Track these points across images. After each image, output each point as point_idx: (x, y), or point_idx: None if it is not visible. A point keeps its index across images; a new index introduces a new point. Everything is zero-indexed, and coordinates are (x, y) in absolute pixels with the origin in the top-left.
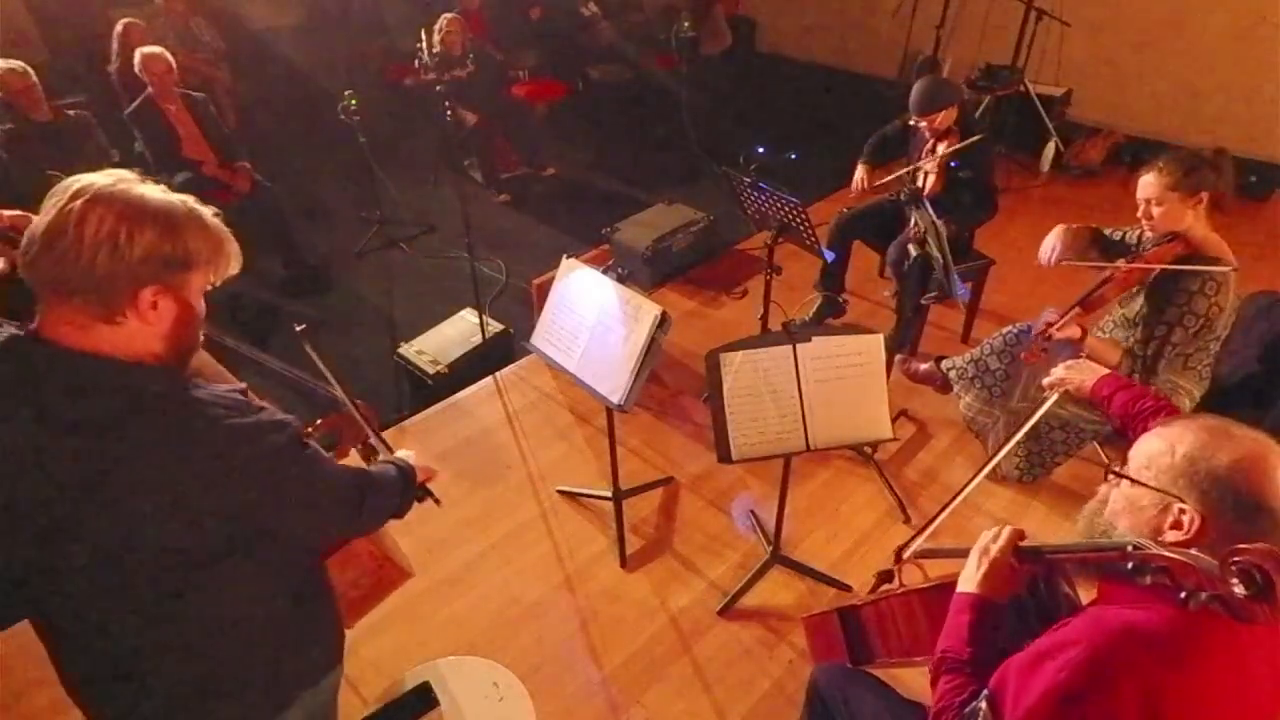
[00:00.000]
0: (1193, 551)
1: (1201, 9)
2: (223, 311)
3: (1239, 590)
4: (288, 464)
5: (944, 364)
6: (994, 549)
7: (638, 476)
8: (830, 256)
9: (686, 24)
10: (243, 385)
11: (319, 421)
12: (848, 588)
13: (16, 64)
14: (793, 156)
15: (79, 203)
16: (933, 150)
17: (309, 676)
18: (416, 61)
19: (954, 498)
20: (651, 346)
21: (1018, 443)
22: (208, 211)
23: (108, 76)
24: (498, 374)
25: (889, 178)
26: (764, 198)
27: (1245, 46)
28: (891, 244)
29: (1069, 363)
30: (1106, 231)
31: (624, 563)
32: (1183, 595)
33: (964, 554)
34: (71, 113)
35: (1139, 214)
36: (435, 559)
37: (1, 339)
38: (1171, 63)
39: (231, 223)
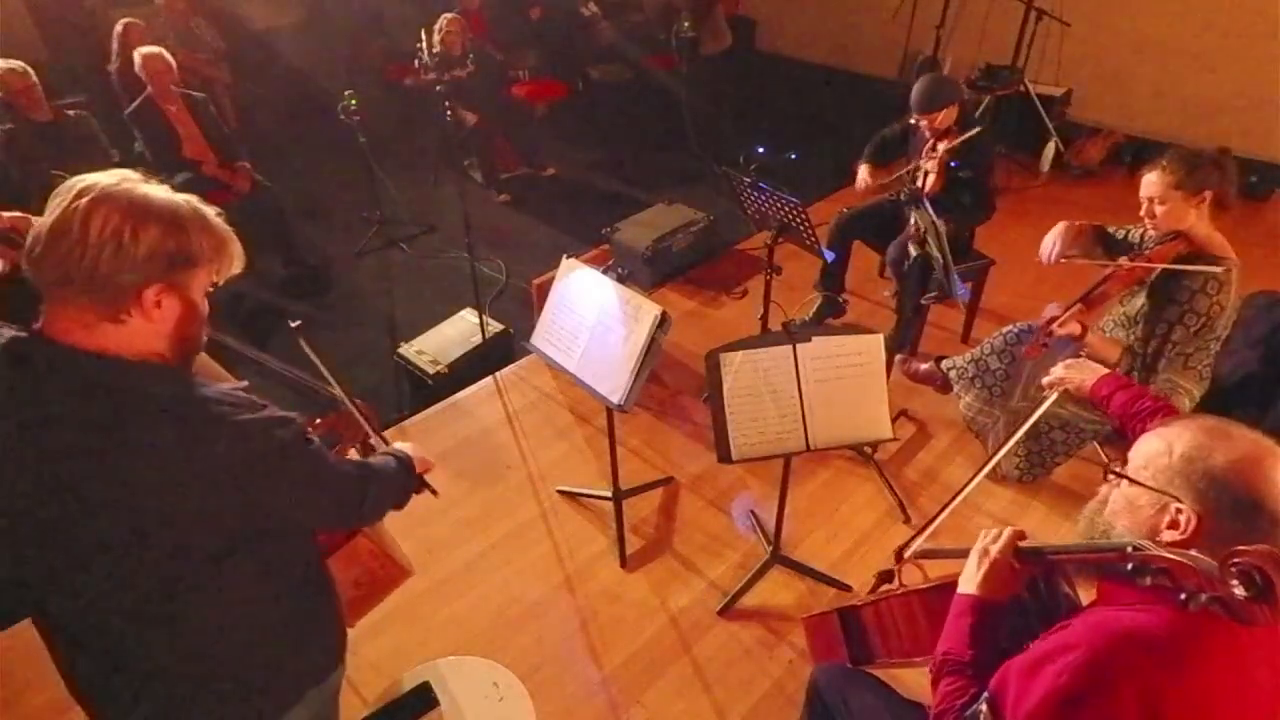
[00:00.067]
0: (1192, 553)
1: (1201, 9)
2: (223, 311)
3: (1239, 592)
4: (294, 458)
5: (944, 364)
6: (994, 550)
7: (638, 476)
8: (830, 256)
9: (686, 24)
10: (245, 383)
11: (318, 421)
12: (848, 588)
13: (16, 64)
14: (793, 156)
15: (84, 201)
16: (933, 149)
17: (312, 676)
18: (416, 61)
19: (954, 498)
20: (651, 346)
21: (1017, 442)
22: (211, 211)
23: (108, 76)
24: (498, 374)
25: (890, 178)
26: (764, 198)
27: (1245, 46)
28: (891, 244)
29: (1068, 362)
30: (1110, 229)
31: (624, 563)
32: (1183, 597)
33: (964, 554)
34: (71, 113)
35: (1142, 212)
36: (435, 559)
37: (4, 339)
38: (1171, 63)
39: (232, 223)
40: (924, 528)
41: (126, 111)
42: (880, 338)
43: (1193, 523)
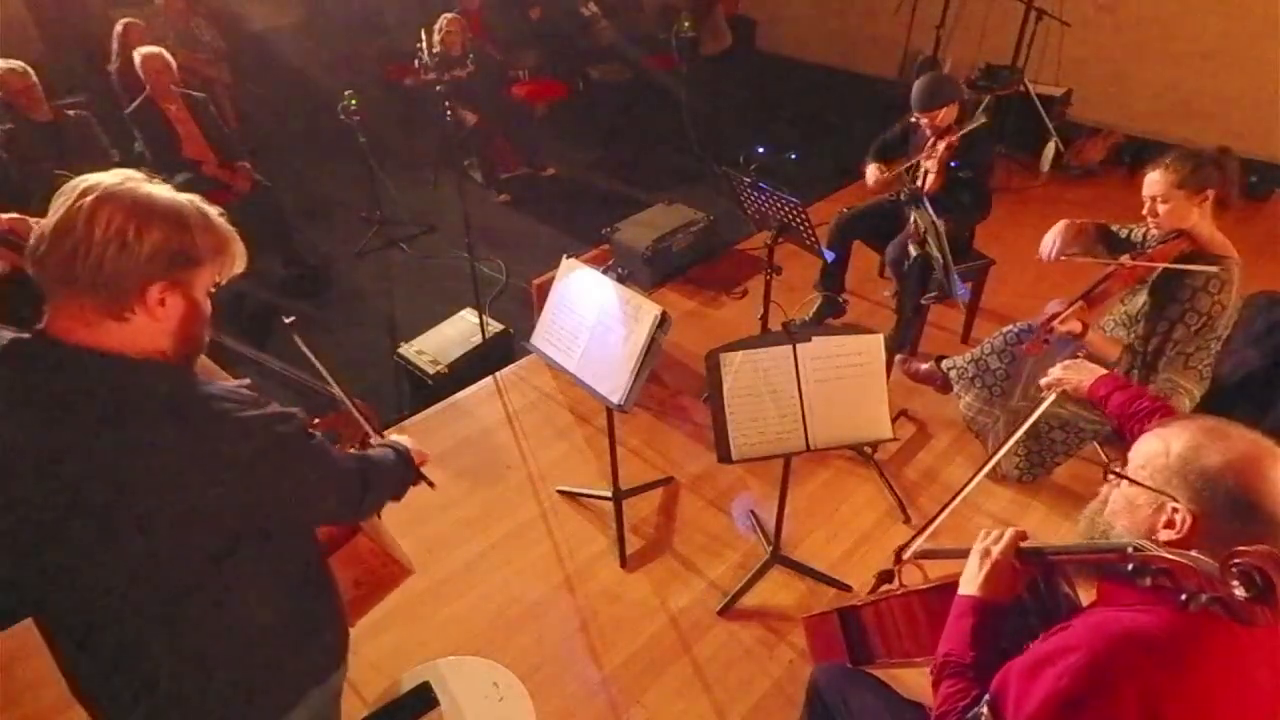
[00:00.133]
0: (1193, 553)
1: (1201, 9)
2: (223, 312)
3: (1239, 592)
4: (297, 453)
5: (944, 364)
6: (996, 551)
7: (638, 476)
8: (830, 256)
9: (686, 24)
10: (247, 381)
11: (317, 421)
12: (848, 588)
13: (16, 64)
14: (793, 156)
15: (88, 200)
16: (933, 148)
17: (313, 675)
18: (416, 61)
19: (954, 498)
20: (651, 346)
21: (1017, 442)
22: (214, 211)
23: (108, 76)
24: (498, 374)
25: (891, 175)
26: (764, 198)
27: (1245, 46)
28: (891, 244)
29: (1066, 363)
30: (1113, 228)
31: (624, 563)
32: (1183, 597)
33: (964, 554)
34: (71, 113)
35: (1144, 211)
36: (435, 559)
37: (8, 338)
38: (1171, 63)
39: (232, 223)
40: (924, 528)
41: (126, 111)
42: (880, 338)
43: (1188, 522)
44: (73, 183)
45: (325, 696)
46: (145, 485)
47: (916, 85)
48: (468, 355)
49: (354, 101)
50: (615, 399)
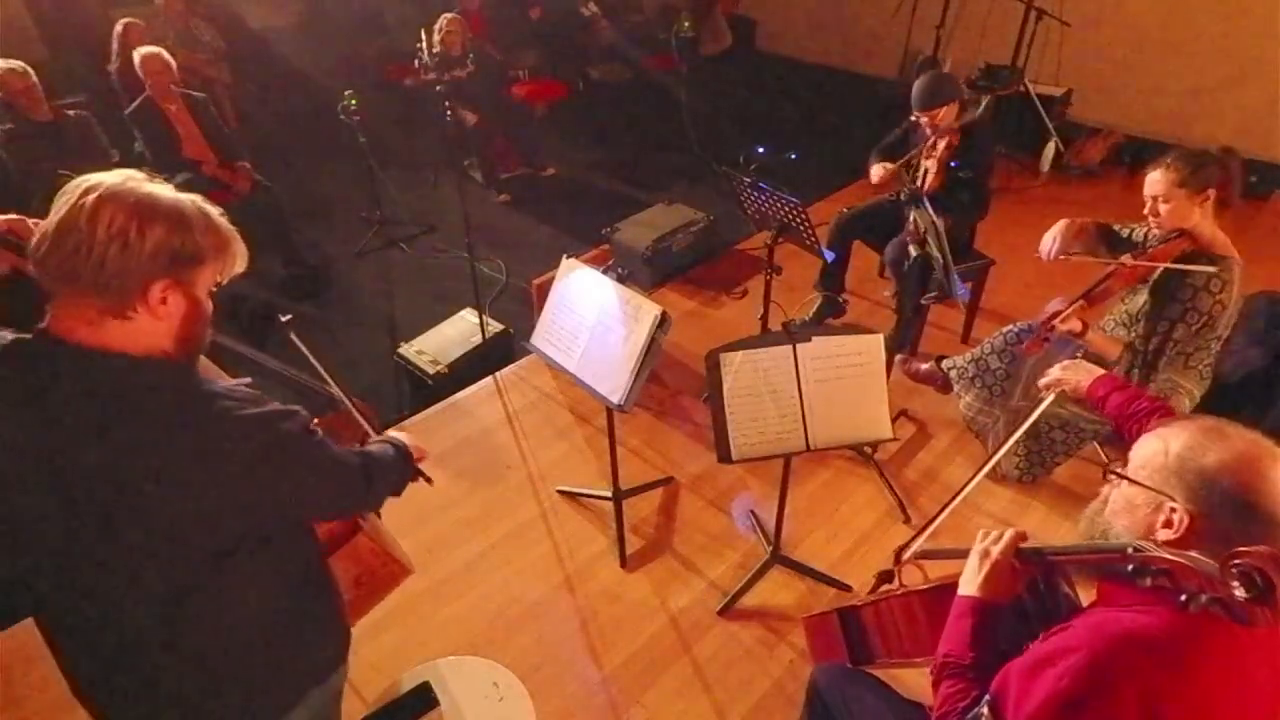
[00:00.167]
0: (1193, 554)
1: (1201, 9)
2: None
3: (1239, 593)
4: (299, 450)
5: (944, 364)
6: (996, 551)
7: (638, 476)
8: (830, 256)
9: (686, 24)
10: (248, 380)
11: (317, 421)
12: (848, 588)
13: (16, 64)
14: (793, 156)
15: (90, 199)
16: (933, 147)
17: (313, 675)
18: (416, 61)
19: (954, 498)
20: (651, 346)
21: (1017, 442)
22: (215, 210)
23: (108, 76)
24: (498, 374)
25: (894, 169)
26: (764, 198)
27: (1244, 47)
28: (891, 244)
29: (1065, 363)
30: (1115, 227)
31: (624, 563)
32: (1183, 598)
33: (964, 555)
34: (71, 113)
35: (1146, 210)
36: (435, 559)
37: (11, 338)
38: (1171, 62)
39: (232, 223)
40: (924, 528)
41: (126, 111)
42: (880, 338)
43: (1185, 522)
44: (74, 182)
45: (325, 696)
46: (146, 484)
47: (916, 84)
48: (468, 355)
49: (354, 101)
50: (615, 399)
